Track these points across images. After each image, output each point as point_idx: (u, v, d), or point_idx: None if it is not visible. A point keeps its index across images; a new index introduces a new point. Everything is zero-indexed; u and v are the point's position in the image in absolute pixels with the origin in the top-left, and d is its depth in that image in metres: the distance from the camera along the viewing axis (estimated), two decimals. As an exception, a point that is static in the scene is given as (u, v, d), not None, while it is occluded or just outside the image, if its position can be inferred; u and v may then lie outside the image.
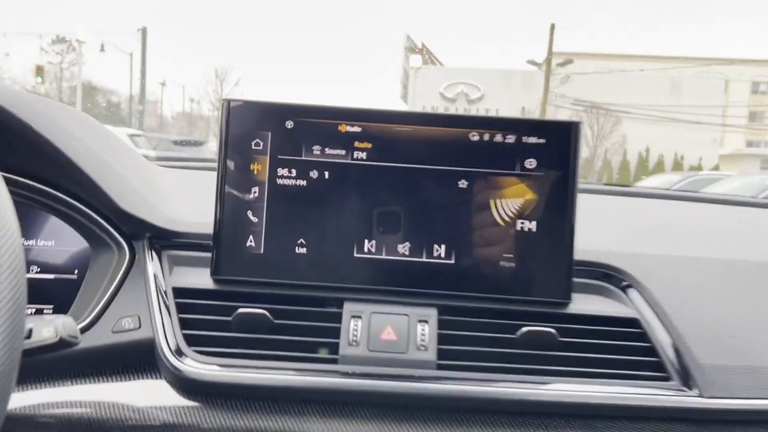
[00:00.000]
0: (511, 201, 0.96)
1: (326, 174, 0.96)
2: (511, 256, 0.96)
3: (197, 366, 0.89)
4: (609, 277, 0.98)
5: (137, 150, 1.34)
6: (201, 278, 0.98)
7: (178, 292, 0.91)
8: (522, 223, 0.96)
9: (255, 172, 0.97)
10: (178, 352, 0.90)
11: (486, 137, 0.96)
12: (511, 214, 0.96)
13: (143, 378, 0.94)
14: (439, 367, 0.91)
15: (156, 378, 0.94)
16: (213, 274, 0.96)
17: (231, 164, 0.97)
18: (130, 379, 0.93)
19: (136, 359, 0.94)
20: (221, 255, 0.96)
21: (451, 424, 0.89)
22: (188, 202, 1.10)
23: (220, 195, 0.97)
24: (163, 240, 0.96)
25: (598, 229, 1.15)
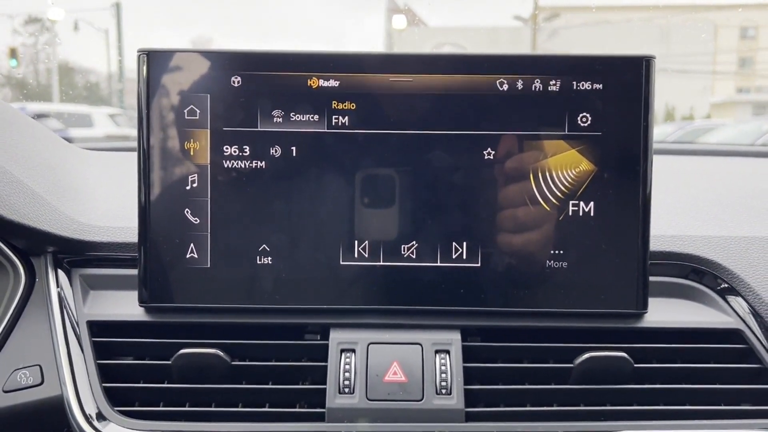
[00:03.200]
0: (559, 174, 0.67)
1: (293, 150, 0.68)
2: (561, 252, 0.68)
3: None
4: (699, 274, 0.70)
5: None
6: (127, 307, 0.70)
7: (96, 327, 0.69)
8: (575, 205, 0.68)
9: (191, 152, 0.68)
10: (99, 418, 0.64)
11: (520, 85, 0.67)
12: (559, 194, 0.68)
13: None
14: (470, 418, 0.64)
15: None
16: (142, 299, 0.68)
17: (156, 142, 0.68)
18: None
19: (40, 428, 0.66)
20: (152, 272, 0.68)
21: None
22: (118, 200, 0.81)
23: (144, 187, 0.68)
24: (74, 255, 0.70)
25: (670, 204, 0.86)
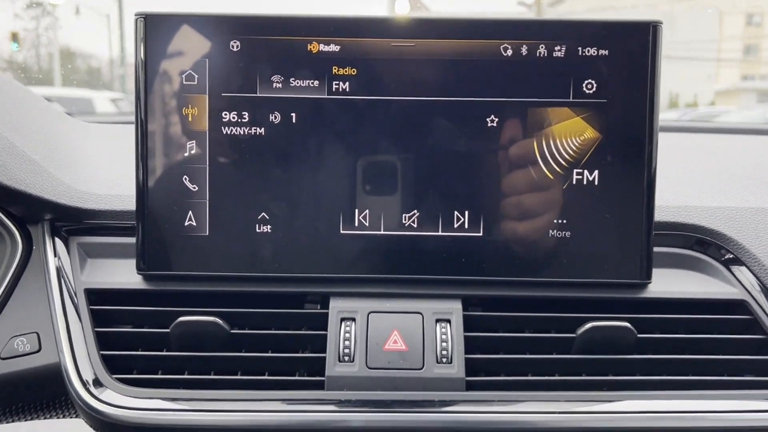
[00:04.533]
0: (563, 142, 0.66)
1: (293, 116, 0.66)
2: (564, 221, 0.67)
3: (124, 403, 0.62)
4: (704, 245, 0.69)
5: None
6: (125, 275, 0.70)
7: (94, 295, 0.69)
8: (579, 173, 0.67)
9: (189, 118, 0.67)
10: (96, 384, 0.63)
11: (524, 51, 0.66)
12: (563, 162, 0.67)
13: (52, 418, 0.66)
14: (470, 387, 0.63)
15: (70, 415, 0.66)
16: (140, 268, 0.67)
17: (153, 108, 0.67)
18: (30, 417, 0.66)
19: (39, 395, 0.66)
20: (150, 240, 0.67)
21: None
22: (117, 169, 0.80)
23: (142, 154, 0.67)
24: (71, 222, 0.70)
25: (676, 176, 0.85)
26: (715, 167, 0.94)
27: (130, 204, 0.71)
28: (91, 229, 0.73)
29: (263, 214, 0.67)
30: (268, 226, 0.67)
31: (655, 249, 0.68)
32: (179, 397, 0.63)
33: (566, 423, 0.62)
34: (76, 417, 0.66)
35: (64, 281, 0.69)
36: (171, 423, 0.62)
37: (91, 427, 0.65)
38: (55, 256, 0.70)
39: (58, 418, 0.68)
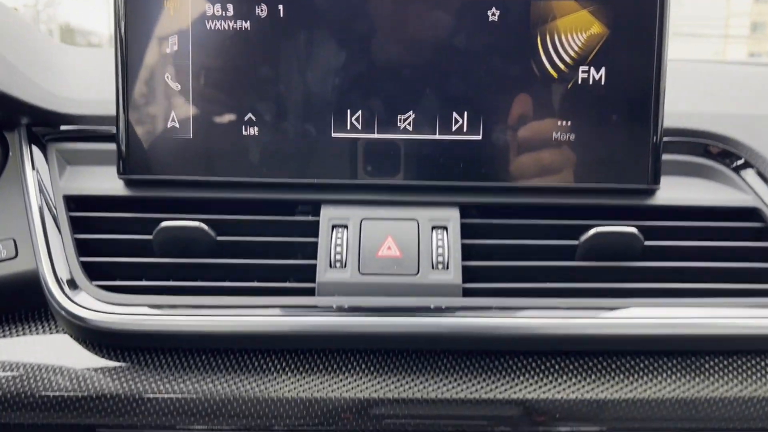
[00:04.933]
0: (568, 38, 0.62)
1: (280, 9, 0.63)
2: (569, 123, 0.63)
3: (105, 309, 0.59)
4: (715, 151, 0.65)
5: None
6: (106, 181, 0.66)
7: (73, 202, 0.67)
8: (584, 71, 0.63)
9: (171, 12, 0.63)
10: (75, 290, 0.60)
11: (527, -64, 0.61)
12: (567, 59, 0.63)
13: (30, 329, 0.63)
14: (467, 293, 0.60)
15: (50, 329, 0.63)
16: (121, 172, 0.64)
17: (134, 1, 0.63)
18: (9, 332, 0.63)
19: (17, 304, 0.63)
20: (131, 142, 0.64)
21: (491, 376, 0.59)
22: (92, 79, 0.76)
23: (121, 52, 0.63)
24: (49, 128, 0.66)
25: (686, 83, 0.81)
26: (725, 76, 0.89)
27: (110, 109, 0.68)
28: (70, 135, 0.70)
29: (250, 115, 0.64)
30: (255, 128, 0.64)
31: (664, 157, 0.65)
32: (164, 304, 0.60)
33: (568, 329, 0.59)
34: (62, 333, 0.63)
35: (42, 187, 0.65)
36: (156, 329, 0.59)
37: (72, 337, 0.62)
38: (33, 162, 0.67)
39: (42, 334, 0.65)
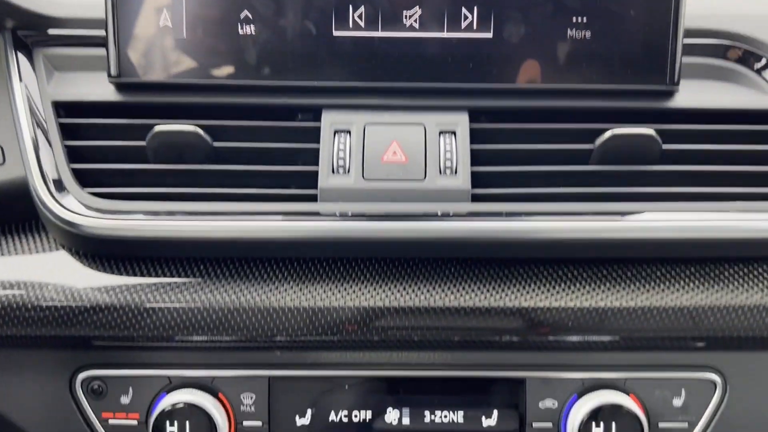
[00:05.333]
0: (586, -75, 0.58)
1: None
2: (585, 20, 0.60)
3: (97, 215, 0.56)
4: (736, 53, 0.66)
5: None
6: (96, 87, 0.64)
7: (62, 108, 0.64)
8: (602, -38, 0.59)
9: None
10: (65, 196, 0.58)
11: None
12: (584, -52, 0.58)
13: (22, 243, 0.61)
14: (476, 199, 0.57)
15: (45, 244, 0.61)
16: (112, 74, 0.61)
17: None
18: (1, 248, 0.60)
19: (5, 212, 0.61)
20: (122, 44, 0.61)
21: (499, 284, 0.57)
22: None
23: None
24: (36, 32, 0.62)
25: None
26: None
27: (99, 11, 0.64)
28: (59, 39, 0.66)
29: (246, 12, 0.60)
30: (252, 27, 0.60)
31: (684, 60, 0.61)
32: (160, 210, 0.58)
33: (581, 233, 0.56)
34: (56, 246, 0.61)
35: (29, 94, 0.62)
36: (152, 235, 0.56)
37: (65, 247, 0.60)
38: (19, 67, 0.63)
39: (35, 247, 0.63)
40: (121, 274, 0.59)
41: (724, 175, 0.60)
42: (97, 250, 0.59)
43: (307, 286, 0.58)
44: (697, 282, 0.58)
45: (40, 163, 0.59)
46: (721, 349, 0.60)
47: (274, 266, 0.59)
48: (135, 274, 0.58)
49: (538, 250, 0.58)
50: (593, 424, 0.58)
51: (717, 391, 0.61)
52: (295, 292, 0.58)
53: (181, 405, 0.58)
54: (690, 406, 0.61)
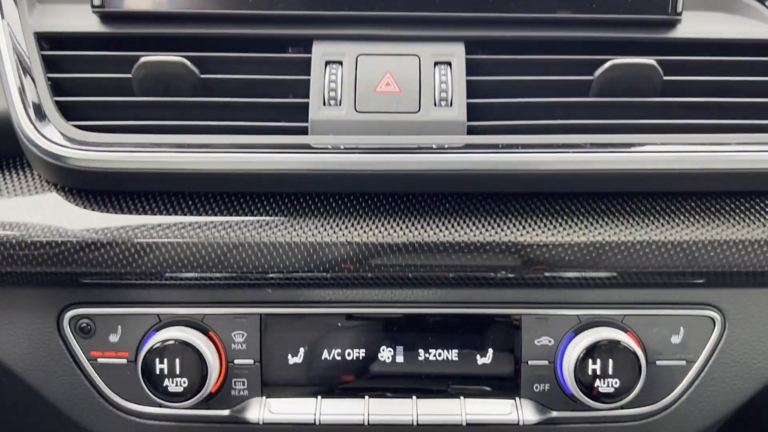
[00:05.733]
0: None
1: None
2: (585, -55, 0.57)
3: (83, 147, 0.55)
4: None
5: None
6: (80, 18, 0.62)
7: (45, 40, 0.62)
8: None
9: None
10: (49, 128, 0.56)
11: None
12: None
13: (4, 179, 0.60)
14: (472, 131, 0.56)
15: (25, 178, 0.59)
16: (95, 4, 0.59)
17: None
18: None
19: None
20: (104, -29, 0.58)
21: (494, 219, 0.56)
22: None
23: None
24: None
25: None
26: None
27: None
28: None
29: None
30: None
31: None
32: (147, 142, 0.56)
33: (580, 164, 0.55)
34: (45, 186, 0.59)
35: (11, 25, 0.60)
36: (139, 166, 0.55)
37: (50, 181, 0.59)
38: None
39: (20, 185, 0.61)
40: (108, 210, 0.57)
41: (726, 107, 0.58)
42: (83, 185, 0.57)
43: (299, 222, 0.57)
44: (697, 216, 0.57)
45: (23, 96, 0.57)
46: (721, 286, 0.59)
47: (265, 202, 0.57)
48: (123, 211, 0.57)
49: (535, 182, 0.56)
50: (590, 361, 0.57)
51: (716, 329, 0.60)
52: (286, 227, 0.56)
53: (171, 342, 0.57)
54: (688, 344, 0.60)
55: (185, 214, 0.57)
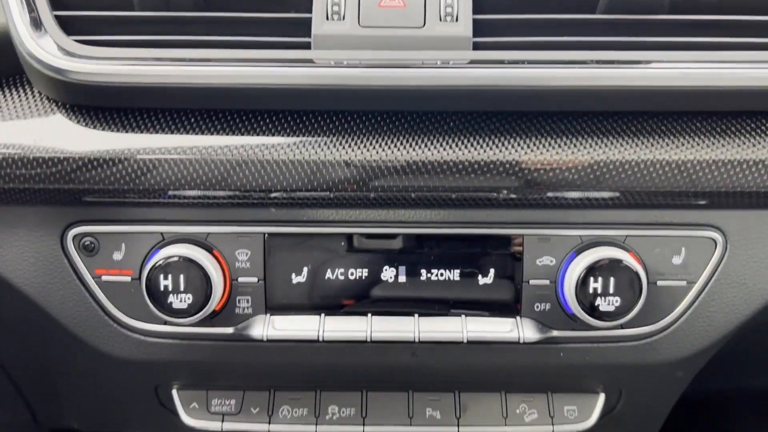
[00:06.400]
0: None
1: None
2: None
3: (82, 61, 0.54)
4: None
5: None
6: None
7: None
8: None
9: None
10: (49, 42, 0.55)
11: None
12: None
13: (4, 97, 0.59)
14: (478, 47, 0.55)
15: (25, 95, 0.59)
16: None
17: None
18: None
19: None
20: None
21: (498, 137, 0.56)
22: None
23: None
24: None
25: None
26: None
27: None
28: None
29: None
30: None
31: None
32: (148, 56, 0.55)
33: (586, 80, 0.54)
34: (46, 104, 0.58)
35: None
36: (140, 80, 0.54)
37: (51, 97, 0.58)
38: None
39: (20, 103, 0.60)
40: (110, 127, 0.57)
41: (734, 25, 0.57)
42: (83, 100, 0.57)
43: (302, 141, 0.56)
44: (701, 136, 0.56)
45: (22, 10, 0.55)
46: (723, 207, 0.59)
47: (269, 121, 0.57)
48: (125, 128, 0.57)
49: (540, 99, 0.56)
50: (591, 279, 0.58)
51: (717, 250, 0.60)
52: (289, 146, 0.56)
53: (175, 259, 0.57)
54: (689, 265, 0.60)
55: (189, 133, 0.56)
